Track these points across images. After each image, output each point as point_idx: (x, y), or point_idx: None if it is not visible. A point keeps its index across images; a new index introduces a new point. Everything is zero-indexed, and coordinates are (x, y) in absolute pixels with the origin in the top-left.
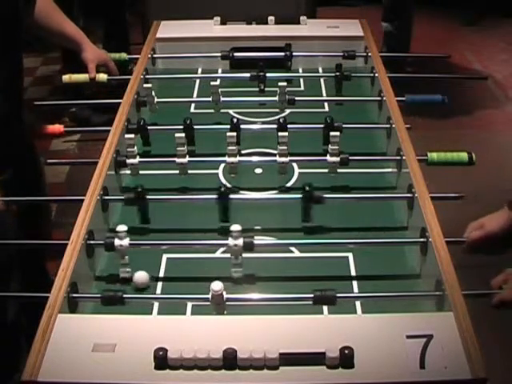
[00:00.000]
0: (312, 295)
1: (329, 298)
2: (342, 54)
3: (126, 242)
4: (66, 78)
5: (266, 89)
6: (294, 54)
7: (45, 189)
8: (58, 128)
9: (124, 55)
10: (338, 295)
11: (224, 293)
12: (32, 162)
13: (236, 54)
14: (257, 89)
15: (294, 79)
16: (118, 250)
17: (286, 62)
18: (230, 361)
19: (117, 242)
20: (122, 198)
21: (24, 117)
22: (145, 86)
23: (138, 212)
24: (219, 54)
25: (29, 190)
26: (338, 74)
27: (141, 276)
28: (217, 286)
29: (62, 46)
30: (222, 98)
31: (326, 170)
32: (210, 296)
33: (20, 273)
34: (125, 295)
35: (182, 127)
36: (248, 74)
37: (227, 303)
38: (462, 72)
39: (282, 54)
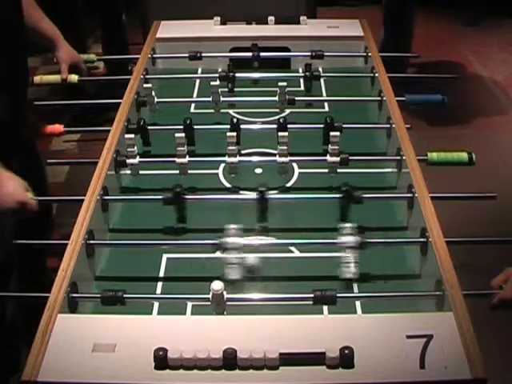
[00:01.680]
0: (312, 295)
1: (328, 297)
2: (309, 53)
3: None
4: (37, 78)
5: (266, 89)
6: (294, 54)
7: (47, 189)
8: (57, 128)
9: (92, 56)
10: (338, 295)
11: (224, 292)
12: (33, 161)
13: (204, 55)
14: (257, 89)
15: (292, 79)
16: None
17: (254, 61)
18: (229, 361)
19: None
20: (160, 197)
21: (25, 117)
22: (145, 86)
23: (176, 212)
24: (220, 54)
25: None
26: (307, 73)
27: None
28: (217, 285)
29: (37, 42)
30: (222, 98)
31: (326, 170)
32: (210, 296)
33: (19, 273)
34: (125, 295)
35: (181, 127)
36: (250, 74)
37: (227, 303)
38: (461, 72)
39: (249, 54)
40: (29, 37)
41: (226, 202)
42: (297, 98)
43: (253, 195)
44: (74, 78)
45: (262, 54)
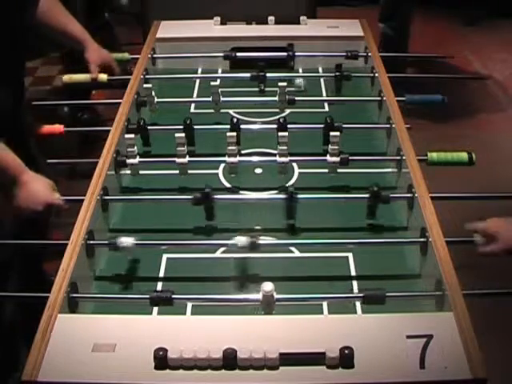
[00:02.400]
0: (362, 294)
1: (379, 297)
2: (344, 53)
3: None
4: (66, 78)
5: (267, 89)
6: (327, 53)
7: None
8: (57, 128)
9: (126, 55)
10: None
11: (274, 293)
12: (30, 162)
13: (238, 54)
14: (257, 89)
15: (294, 79)
16: None
17: (289, 61)
18: (229, 361)
19: None
20: (190, 197)
21: (24, 116)
22: (145, 86)
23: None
24: (219, 54)
25: None
26: (337, 74)
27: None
28: (268, 286)
29: (65, 45)
30: (222, 98)
31: (326, 170)
32: (260, 297)
33: (18, 273)
34: (173, 296)
35: (182, 127)
36: (248, 74)
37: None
38: (461, 72)
39: (285, 54)
40: (57, 40)
41: (226, 202)
42: (297, 98)
43: (252, 195)
44: (104, 77)
45: (297, 53)
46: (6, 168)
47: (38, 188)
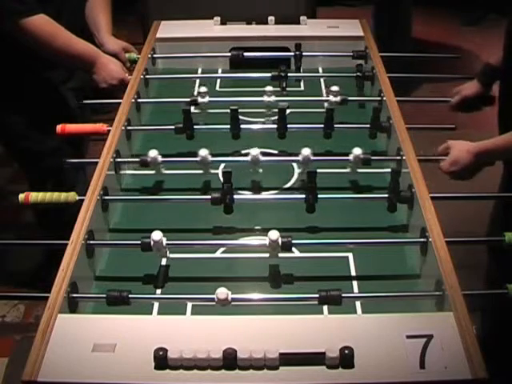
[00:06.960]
0: (317, 295)
1: (334, 297)
2: (344, 53)
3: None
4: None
5: (266, 88)
6: (338, 53)
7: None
8: (100, 127)
9: (133, 55)
10: (342, 295)
11: (229, 293)
12: None
13: (245, 54)
14: (256, 89)
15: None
16: None
17: (296, 62)
18: (230, 361)
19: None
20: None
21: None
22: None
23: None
24: (220, 54)
25: None
26: (358, 73)
27: None
28: (222, 294)
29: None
30: (222, 98)
31: (326, 170)
32: (215, 297)
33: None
34: (130, 295)
35: (181, 126)
36: (247, 74)
37: (232, 303)
38: (461, 72)
39: (287, 54)
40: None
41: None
42: (295, 98)
43: (251, 195)
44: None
45: (305, 53)
46: (86, 55)
47: (113, 68)
